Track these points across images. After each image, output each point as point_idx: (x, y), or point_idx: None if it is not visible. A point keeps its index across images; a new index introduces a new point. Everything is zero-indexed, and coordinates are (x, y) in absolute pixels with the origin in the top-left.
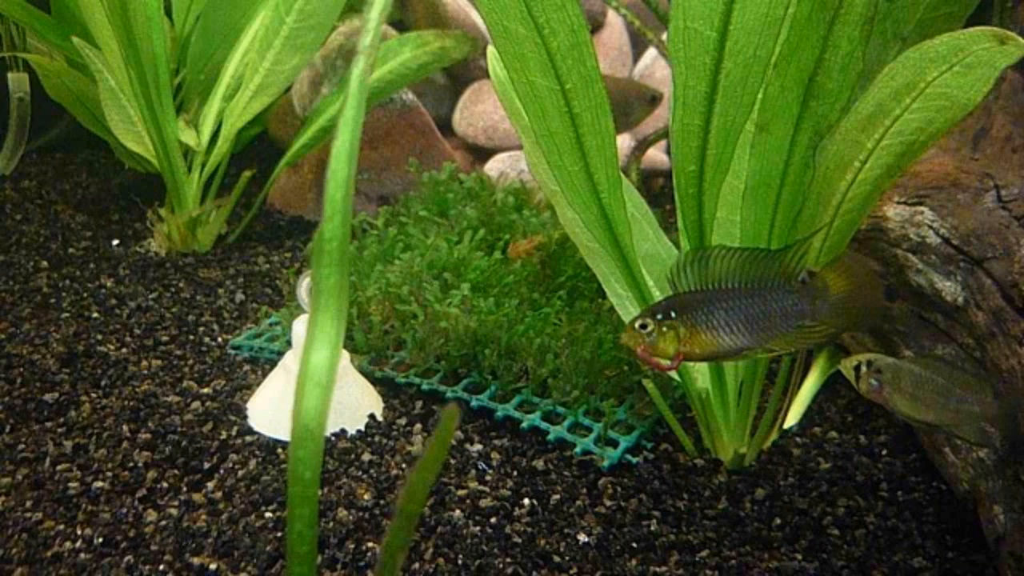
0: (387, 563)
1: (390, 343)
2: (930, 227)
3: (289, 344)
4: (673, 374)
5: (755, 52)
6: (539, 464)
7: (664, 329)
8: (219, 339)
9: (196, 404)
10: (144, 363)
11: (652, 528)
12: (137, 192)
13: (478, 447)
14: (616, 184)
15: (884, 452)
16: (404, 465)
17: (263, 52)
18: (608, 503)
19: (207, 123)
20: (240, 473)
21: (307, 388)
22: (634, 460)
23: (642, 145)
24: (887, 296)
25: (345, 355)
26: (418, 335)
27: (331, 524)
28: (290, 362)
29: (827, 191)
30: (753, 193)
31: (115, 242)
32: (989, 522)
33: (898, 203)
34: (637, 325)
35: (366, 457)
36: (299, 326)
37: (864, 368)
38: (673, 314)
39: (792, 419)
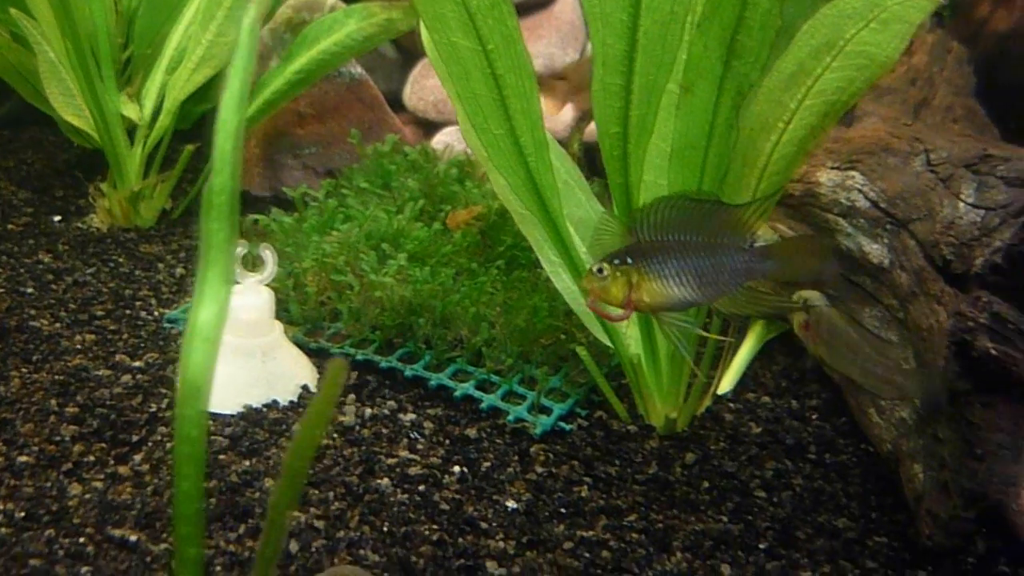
0: (275, 520)
1: (326, 314)
2: (860, 191)
3: None
4: (607, 340)
5: (672, 8)
6: (472, 432)
7: (617, 275)
8: (155, 313)
9: (127, 377)
10: (77, 338)
11: (582, 494)
12: (83, 168)
13: (411, 416)
14: (543, 147)
15: (815, 416)
16: (335, 435)
17: (206, 24)
18: (539, 470)
19: (150, 96)
20: (168, 446)
21: (194, 344)
22: (567, 427)
23: (585, 116)
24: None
25: (278, 326)
26: (353, 306)
27: (257, 494)
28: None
29: (752, 153)
30: (679, 155)
31: (57, 218)
32: (909, 481)
33: (831, 168)
34: (594, 269)
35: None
36: (232, 297)
37: (800, 304)
38: (629, 260)
39: (726, 385)
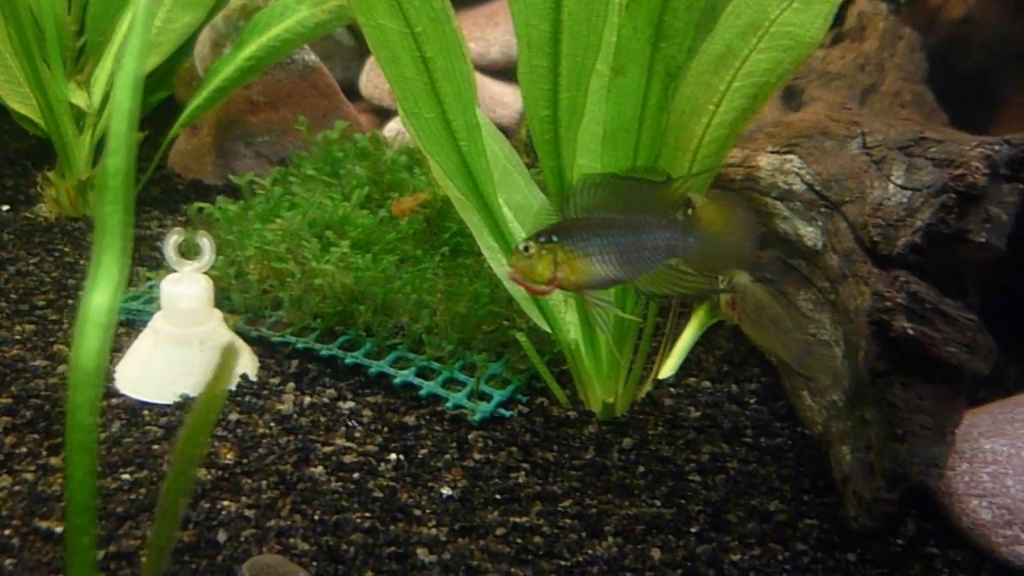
0: (167, 508)
1: (268, 303)
2: (797, 175)
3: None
4: (546, 326)
5: None
6: (410, 420)
7: (543, 252)
8: None
9: (63, 368)
10: (17, 328)
11: (519, 480)
12: (34, 157)
13: (351, 404)
14: (475, 131)
15: (753, 400)
16: (272, 424)
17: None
18: (477, 456)
19: (99, 84)
20: (102, 436)
21: (86, 329)
22: (507, 414)
23: None
24: (759, 244)
25: (217, 314)
26: (294, 294)
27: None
28: (159, 323)
29: (684, 136)
30: (612, 138)
31: (4, 207)
32: (838, 463)
33: (771, 152)
34: (521, 247)
35: (233, 417)
36: (167, 286)
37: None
38: (554, 238)
39: (668, 370)
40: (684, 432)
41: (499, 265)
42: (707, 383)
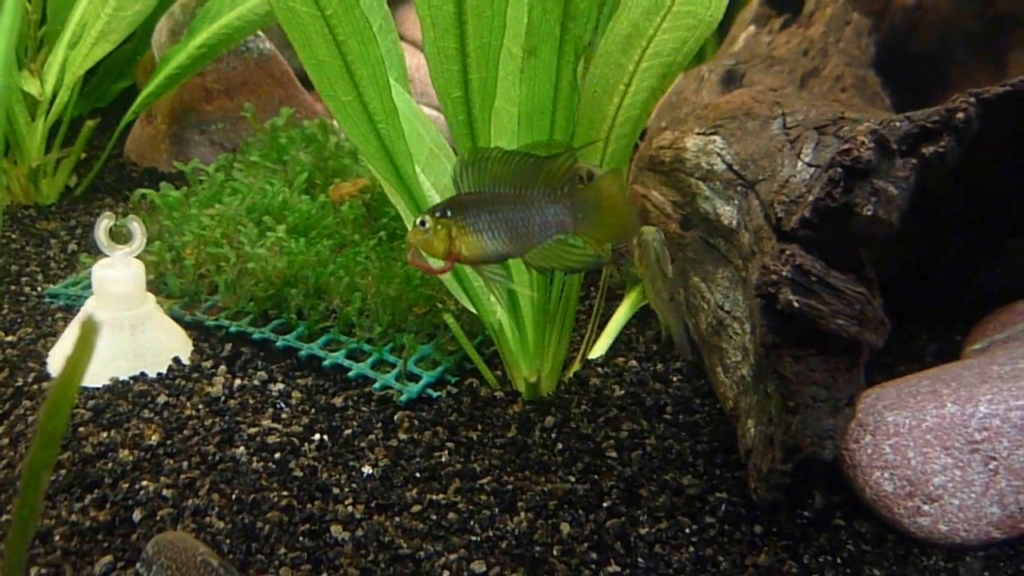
0: (30, 482)
1: (204, 287)
2: (719, 155)
3: None
4: (472, 307)
5: None
6: (338, 401)
7: (438, 228)
8: (39, 289)
9: None
10: None
11: (441, 459)
12: None
13: (280, 387)
14: (392, 114)
15: (677, 379)
16: (200, 406)
17: None
18: (403, 436)
19: (52, 72)
20: (31, 419)
21: None
22: (435, 395)
23: None
24: (682, 226)
25: (150, 298)
26: (229, 278)
27: (109, 465)
28: (91, 308)
29: (598, 115)
30: (528, 120)
31: None
32: (743, 437)
33: (697, 134)
34: (418, 222)
35: (162, 399)
36: (99, 270)
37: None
38: (448, 213)
39: (598, 350)
40: (606, 410)
41: None
42: (634, 363)
